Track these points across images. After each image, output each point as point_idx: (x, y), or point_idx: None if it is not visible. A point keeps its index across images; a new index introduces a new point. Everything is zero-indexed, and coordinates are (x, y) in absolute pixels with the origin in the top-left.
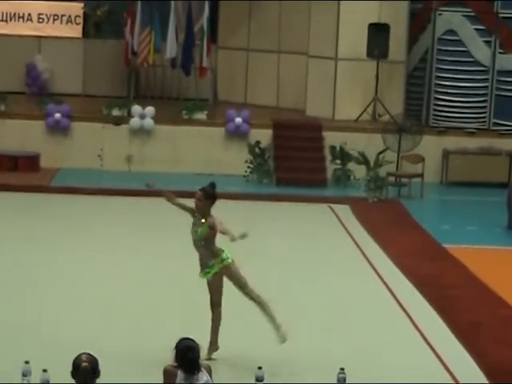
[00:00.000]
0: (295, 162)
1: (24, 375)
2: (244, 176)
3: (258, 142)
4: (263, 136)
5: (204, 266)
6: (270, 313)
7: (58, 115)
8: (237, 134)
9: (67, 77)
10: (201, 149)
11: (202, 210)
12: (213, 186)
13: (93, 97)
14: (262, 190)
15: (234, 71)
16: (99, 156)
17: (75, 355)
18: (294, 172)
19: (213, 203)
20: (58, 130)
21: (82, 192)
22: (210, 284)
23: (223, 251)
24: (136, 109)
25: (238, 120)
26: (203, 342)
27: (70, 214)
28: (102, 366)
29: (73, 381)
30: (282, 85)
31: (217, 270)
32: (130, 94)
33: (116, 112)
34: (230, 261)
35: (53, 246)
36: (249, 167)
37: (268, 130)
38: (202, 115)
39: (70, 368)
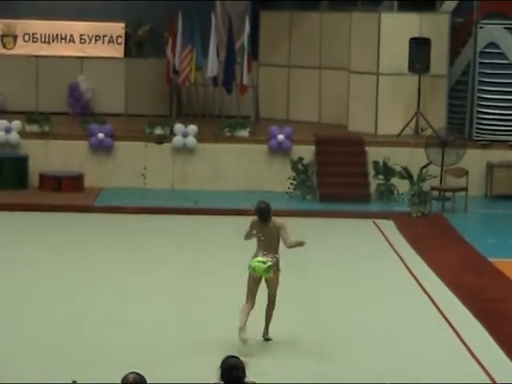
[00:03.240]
0: (338, 177)
1: None
2: (287, 193)
3: (300, 159)
4: (306, 152)
5: None
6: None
7: (101, 135)
8: (279, 151)
9: (110, 96)
10: (243, 166)
11: None
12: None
13: (135, 116)
14: (306, 207)
15: (276, 88)
16: (142, 175)
17: (124, 373)
18: (338, 188)
19: (258, 217)
20: (101, 149)
21: (125, 211)
22: None
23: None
24: (178, 127)
25: (281, 137)
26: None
27: (114, 233)
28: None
29: None
30: (323, 100)
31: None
32: (173, 113)
33: (158, 131)
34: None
35: (98, 266)
36: (292, 183)
37: (310, 146)
38: (244, 132)
39: None
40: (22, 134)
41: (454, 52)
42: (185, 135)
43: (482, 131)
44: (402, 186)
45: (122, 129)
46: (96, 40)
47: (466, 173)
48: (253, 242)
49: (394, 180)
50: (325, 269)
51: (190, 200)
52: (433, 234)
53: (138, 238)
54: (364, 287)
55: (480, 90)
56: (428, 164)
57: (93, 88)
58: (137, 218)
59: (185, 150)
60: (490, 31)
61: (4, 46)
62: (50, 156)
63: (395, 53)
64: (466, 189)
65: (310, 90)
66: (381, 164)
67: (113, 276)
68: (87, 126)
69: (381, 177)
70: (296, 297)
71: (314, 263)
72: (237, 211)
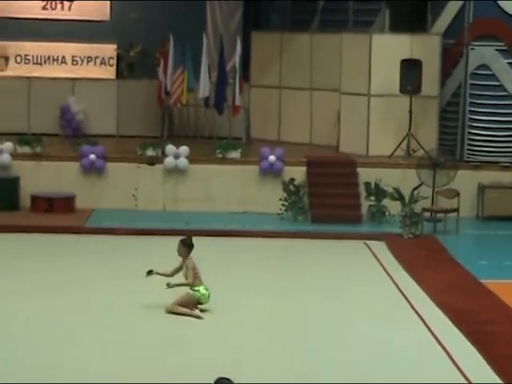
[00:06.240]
0: (330, 198)
1: None
2: (278, 214)
3: (292, 180)
4: (297, 173)
5: None
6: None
7: (92, 156)
8: (271, 172)
9: (101, 118)
10: (235, 187)
11: (181, 255)
12: (189, 237)
13: (127, 137)
14: (298, 228)
15: (267, 109)
16: (134, 196)
17: None
18: (329, 209)
19: (189, 251)
20: (92, 170)
21: (116, 233)
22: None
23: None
24: (170, 148)
25: (272, 158)
26: None
27: (105, 255)
28: None
29: None
30: (314, 122)
31: None
32: (164, 134)
33: (150, 152)
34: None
35: (87, 287)
36: (283, 205)
37: (302, 167)
38: (235, 154)
39: None
40: (14, 155)
41: (446, 73)
42: (176, 156)
43: (474, 152)
44: (393, 207)
45: (114, 150)
46: (88, 61)
47: (458, 194)
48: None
49: (386, 201)
50: (315, 290)
51: (181, 221)
52: (424, 256)
53: (128, 260)
54: (355, 308)
55: (471, 112)
56: (419, 185)
57: (84, 109)
58: (128, 239)
59: (176, 171)
60: (481, 53)
61: None
62: (41, 177)
63: (386, 74)
64: (457, 210)
65: (301, 112)
66: (372, 185)
67: (102, 298)
68: (79, 147)
69: (372, 198)
70: (286, 318)
71: (305, 284)
72: (227, 232)
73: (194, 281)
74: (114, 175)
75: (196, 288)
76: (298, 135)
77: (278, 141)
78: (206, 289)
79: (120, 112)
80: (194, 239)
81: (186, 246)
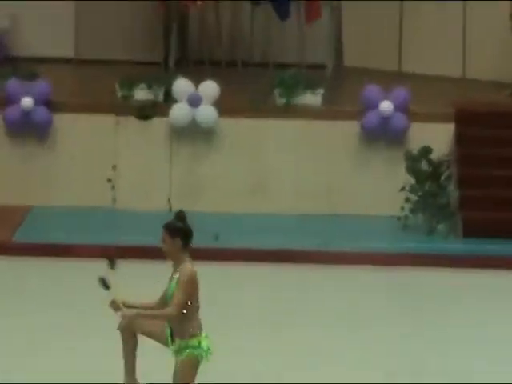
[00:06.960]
0: (500, 189)
1: None
2: (398, 218)
3: (426, 150)
4: (436, 138)
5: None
6: None
7: (27, 100)
8: (383, 134)
9: (46, 26)
10: (310, 165)
11: (171, 257)
12: (180, 217)
13: (95, 63)
14: (436, 247)
15: (375, 11)
16: (109, 181)
17: None
18: (498, 210)
19: (186, 243)
20: (28, 129)
21: (72, 253)
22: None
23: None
24: (181, 86)
25: (386, 106)
26: None
27: (47, 294)
28: None
29: None
30: (471, 37)
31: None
32: (170, 59)
33: (141, 94)
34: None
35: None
36: (408, 200)
37: (446, 124)
38: (312, 98)
39: None
40: None
41: None
42: (194, 102)
43: None
44: None
45: (70, 89)
46: None
47: None
48: None
49: None
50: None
51: (204, 233)
52: None
53: (88, 302)
54: None
55: None
56: None
57: (13, 12)
58: (94, 265)
59: (193, 132)
60: None
61: None
62: None
63: None
64: None
65: (443, 17)
66: None
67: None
68: (3, 82)
69: None
70: None
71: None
72: (295, 255)
73: (191, 317)
74: (69, 139)
75: (193, 342)
76: (438, 62)
77: (397, 72)
78: (207, 337)
79: (81, 16)
80: (230, 266)
81: (177, 232)
